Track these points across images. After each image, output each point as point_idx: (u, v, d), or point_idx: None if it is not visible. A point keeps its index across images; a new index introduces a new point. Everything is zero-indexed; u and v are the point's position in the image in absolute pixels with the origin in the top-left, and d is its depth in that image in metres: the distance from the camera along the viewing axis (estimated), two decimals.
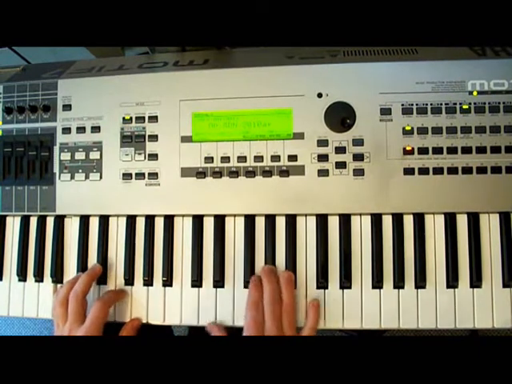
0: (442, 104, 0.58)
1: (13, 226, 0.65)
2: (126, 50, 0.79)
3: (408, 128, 0.58)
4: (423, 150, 0.58)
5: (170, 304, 0.61)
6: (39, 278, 0.64)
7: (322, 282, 0.58)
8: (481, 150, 0.57)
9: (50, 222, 0.64)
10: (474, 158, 0.57)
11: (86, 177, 0.63)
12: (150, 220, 0.62)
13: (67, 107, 0.64)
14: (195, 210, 0.61)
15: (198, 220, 0.61)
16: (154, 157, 0.62)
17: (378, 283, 0.57)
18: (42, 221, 0.64)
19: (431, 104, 0.58)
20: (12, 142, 0.65)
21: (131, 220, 0.63)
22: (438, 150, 0.58)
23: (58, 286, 0.63)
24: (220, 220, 0.61)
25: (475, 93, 0.58)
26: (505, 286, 0.57)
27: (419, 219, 0.58)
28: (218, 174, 0.60)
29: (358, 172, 0.58)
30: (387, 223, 0.59)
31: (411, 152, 0.58)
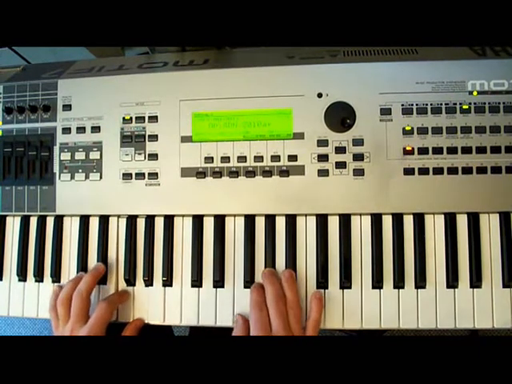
0: (441, 104, 0.58)
1: (13, 226, 0.65)
2: (126, 50, 0.79)
3: (408, 128, 0.58)
4: (423, 150, 0.58)
5: (169, 304, 0.61)
6: (39, 278, 0.64)
7: (322, 281, 0.58)
8: (481, 150, 0.57)
9: (49, 222, 0.64)
10: (474, 158, 0.57)
11: (86, 177, 0.63)
12: (150, 220, 0.62)
13: (67, 107, 0.64)
14: (195, 209, 0.61)
15: (197, 220, 0.61)
16: (154, 157, 0.62)
17: (377, 283, 0.57)
18: (41, 221, 0.64)
19: (431, 104, 0.58)
20: (12, 142, 0.65)
21: (131, 220, 0.63)
22: (438, 150, 0.58)
23: (55, 285, 0.63)
24: (220, 220, 0.61)
25: (475, 93, 0.58)
26: (505, 286, 0.57)
27: (419, 219, 0.58)
28: (218, 174, 0.60)
29: (358, 172, 0.58)
30: (387, 223, 0.59)
31: (411, 152, 0.58)
